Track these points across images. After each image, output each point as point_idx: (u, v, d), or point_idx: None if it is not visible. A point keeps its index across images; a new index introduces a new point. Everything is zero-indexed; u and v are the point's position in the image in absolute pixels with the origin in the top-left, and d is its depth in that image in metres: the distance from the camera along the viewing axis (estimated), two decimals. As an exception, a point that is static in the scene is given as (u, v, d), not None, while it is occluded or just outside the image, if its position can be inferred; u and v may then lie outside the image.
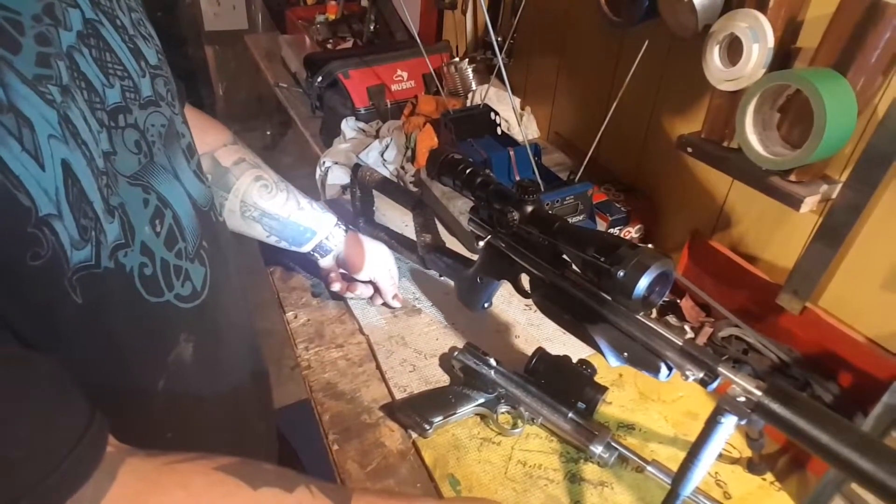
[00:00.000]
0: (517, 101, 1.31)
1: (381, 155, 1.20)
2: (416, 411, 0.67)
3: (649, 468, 0.60)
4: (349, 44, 1.85)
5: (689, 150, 0.79)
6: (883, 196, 0.65)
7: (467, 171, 0.66)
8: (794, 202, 0.67)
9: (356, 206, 0.93)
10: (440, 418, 0.66)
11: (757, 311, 0.77)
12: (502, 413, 0.69)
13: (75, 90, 0.36)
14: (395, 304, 0.85)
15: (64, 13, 0.36)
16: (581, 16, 1.10)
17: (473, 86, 1.33)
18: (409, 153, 1.17)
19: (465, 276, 0.75)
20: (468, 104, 1.30)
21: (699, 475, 0.49)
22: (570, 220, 0.90)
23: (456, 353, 0.73)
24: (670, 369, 0.50)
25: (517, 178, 0.95)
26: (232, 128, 0.74)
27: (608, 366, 0.55)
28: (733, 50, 0.69)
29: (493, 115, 1.12)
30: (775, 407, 0.43)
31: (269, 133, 3.07)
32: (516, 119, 1.08)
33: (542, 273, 0.61)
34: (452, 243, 0.93)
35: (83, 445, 0.33)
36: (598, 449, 0.63)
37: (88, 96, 0.38)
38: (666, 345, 0.50)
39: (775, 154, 0.66)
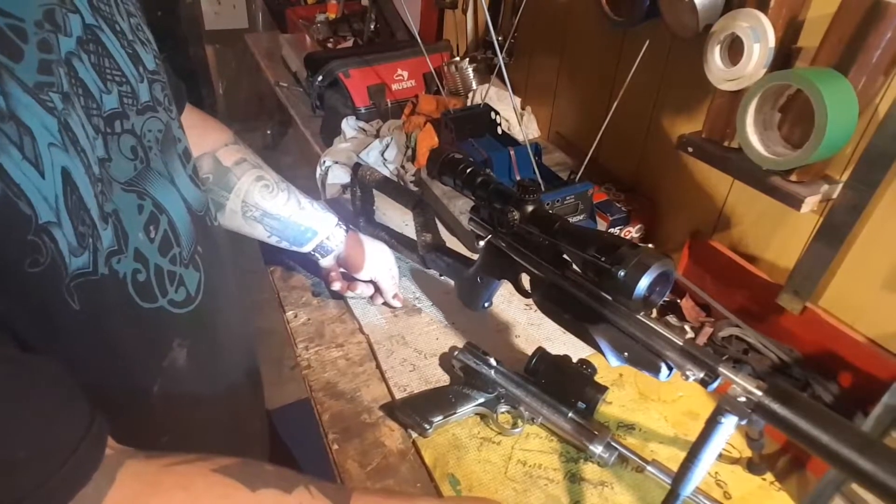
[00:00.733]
0: (518, 100, 1.31)
1: (382, 154, 1.20)
2: (416, 411, 0.67)
3: (649, 468, 0.60)
4: (350, 43, 1.85)
5: (690, 149, 0.79)
6: (884, 196, 0.65)
7: (468, 170, 0.66)
8: (795, 202, 0.67)
9: (356, 206, 0.93)
10: (440, 418, 0.66)
11: (757, 311, 0.77)
12: (502, 413, 0.69)
13: (74, 97, 0.36)
14: (396, 303, 0.85)
15: (64, 18, 0.36)
16: (582, 15, 1.10)
17: (474, 85, 1.33)
18: (410, 152, 1.17)
19: (465, 276, 0.75)
20: (469, 104, 1.30)
21: (699, 475, 0.49)
22: (570, 219, 0.90)
23: (456, 352, 0.73)
24: (670, 369, 0.50)
25: (518, 178, 0.95)
26: (232, 127, 0.74)
27: (608, 365, 0.55)
28: (734, 50, 0.69)
29: (493, 114, 1.12)
30: (775, 407, 0.43)
31: (269, 132, 3.07)
32: (517, 118, 1.09)
33: (542, 273, 0.61)
34: (453, 243, 0.93)
35: (84, 447, 0.33)
36: (598, 449, 0.63)
37: (85, 102, 0.38)
38: (666, 345, 0.50)
39: (776, 154, 0.66)
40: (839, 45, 0.61)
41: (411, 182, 1.11)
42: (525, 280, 0.65)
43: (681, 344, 0.49)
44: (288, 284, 0.90)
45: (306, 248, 0.80)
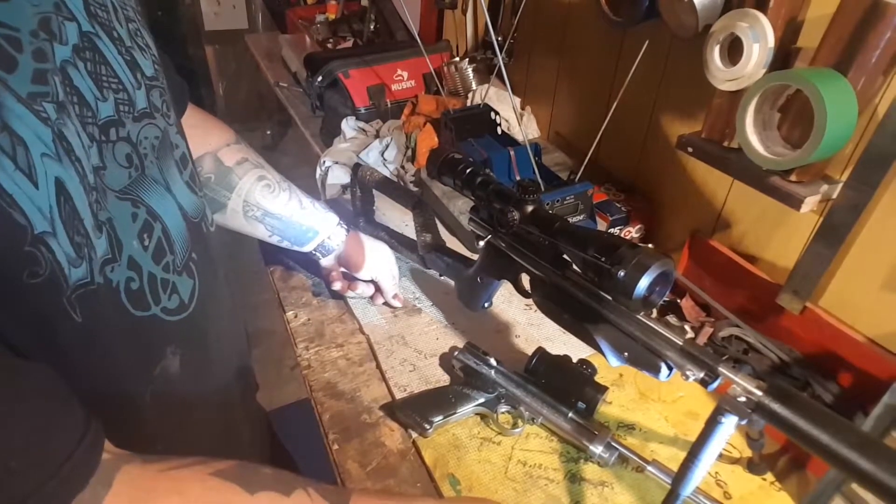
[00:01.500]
0: (517, 100, 1.31)
1: (382, 154, 1.20)
2: (416, 411, 0.67)
3: (649, 468, 0.60)
4: (349, 43, 1.85)
5: (690, 150, 0.79)
6: (883, 196, 0.65)
7: (467, 170, 0.66)
8: (795, 202, 0.67)
9: (356, 206, 0.93)
10: (440, 418, 0.66)
11: (757, 310, 0.77)
12: (502, 413, 0.69)
13: (69, 105, 0.36)
14: (396, 303, 0.85)
15: (60, 27, 0.36)
16: (581, 16, 1.10)
17: (474, 85, 1.33)
18: (410, 153, 1.17)
19: (465, 276, 0.75)
20: (468, 104, 1.30)
21: (699, 475, 0.49)
22: (570, 219, 0.90)
23: (456, 352, 0.73)
24: (670, 369, 0.50)
25: (517, 178, 0.95)
26: (232, 127, 0.74)
27: (608, 365, 0.55)
28: (734, 50, 0.69)
29: (493, 114, 1.12)
30: (775, 407, 0.43)
31: (269, 133, 3.07)
32: (516, 119, 1.09)
33: (542, 273, 0.61)
34: (453, 243, 0.93)
35: (80, 453, 0.33)
36: (598, 449, 0.63)
37: (80, 111, 0.37)
38: (666, 345, 0.50)
39: (776, 154, 0.66)
40: (838, 45, 0.61)
41: (411, 182, 1.11)
42: (525, 280, 0.65)
43: (681, 344, 0.49)
44: (288, 284, 0.90)
45: (307, 248, 0.80)
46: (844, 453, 0.38)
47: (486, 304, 0.76)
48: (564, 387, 0.68)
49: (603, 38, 1.05)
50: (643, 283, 0.46)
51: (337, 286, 0.83)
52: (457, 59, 1.37)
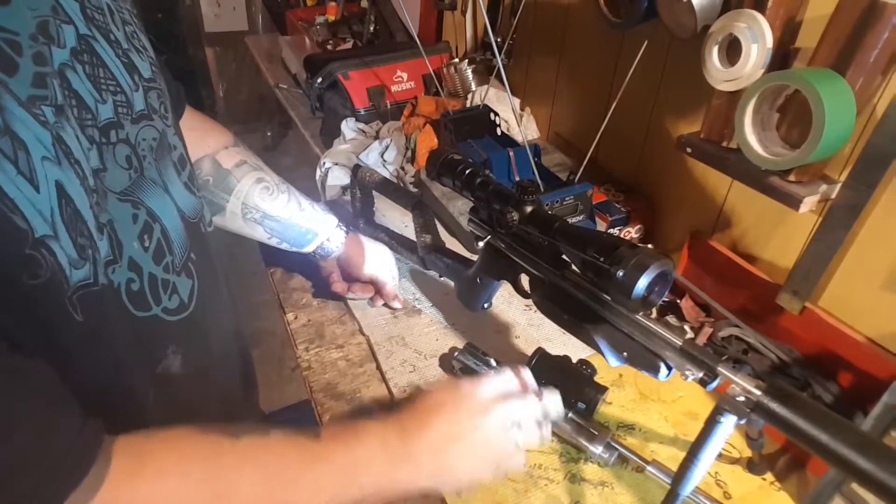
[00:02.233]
0: (517, 101, 1.31)
1: (381, 156, 1.20)
2: (416, 412, 0.67)
3: (649, 468, 0.60)
4: (349, 45, 1.85)
5: (689, 150, 0.79)
6: (882, 196, 0.65)
7: (467, 171, 0.66)
8: (794, 202, 0.67)
9: (356, 207, 0.93)
10: (440, 419, 0.66)
11: (757, 310, 0.77)
12: (502, 413, 0.69)
13: (68, 108, 0.36)
14: (396, 304, 0.85)
15: (58, 30, 0.36)
16: (580, 16, 1.10)
17: (473, 86, 1.34)
18: (409, 154, 1.17)
19: (464, 277, 0.76)
20: (468, 105, 1.30)
21: (699, 475, 0.49)
22: (569, 220, 0.90)
23: (456, 353, 0.73)
24: (670, 369, 0.50)
25: (517, 179, 0.95)
26: (232, 129, 0.74)
27: (608, 366, 0.55)
28: (732, 50, 0.69)
29: (492, 115, 1.12)
30: (775, 406, 0.43)
31: (269, 134, 3.07)
32: (516, 119, 1.09)
33: (541, 273, 0.61)
34: (452, 244, 0.93)
35: (78, 447, 0.34)
36: (598, 449, 0.63)
37: (79, 114, 0.38)
38: (665, 345, 0.50)
39: (774, 154, 0.66)
40: (836, 45, 0.61)
41: (411, 183, 1.11)
42: (524, 281, 0.66)
43: (680, 344, 0.49)
44: (288, 286, 0.90)
45: (307, 250, 0.80)
46: (844, 453, 0.38)
47: (485, 305, 0.76)
48: (564, 387, 0.67)
49: (602, 39, 1.05)
50: (642, 283, 0.46)
51: (337, 287, 0.83)
52: (456, 60, 1.37)
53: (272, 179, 0.74)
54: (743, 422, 0.46)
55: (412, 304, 0.87)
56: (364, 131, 1.34)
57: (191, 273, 0.49)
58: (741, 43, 0.66)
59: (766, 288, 0.76)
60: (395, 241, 0.90)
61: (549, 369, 0.70)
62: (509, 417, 0.49)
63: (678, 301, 0.85)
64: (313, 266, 0.86)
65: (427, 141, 1.13)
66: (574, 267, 0.57)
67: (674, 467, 0.52)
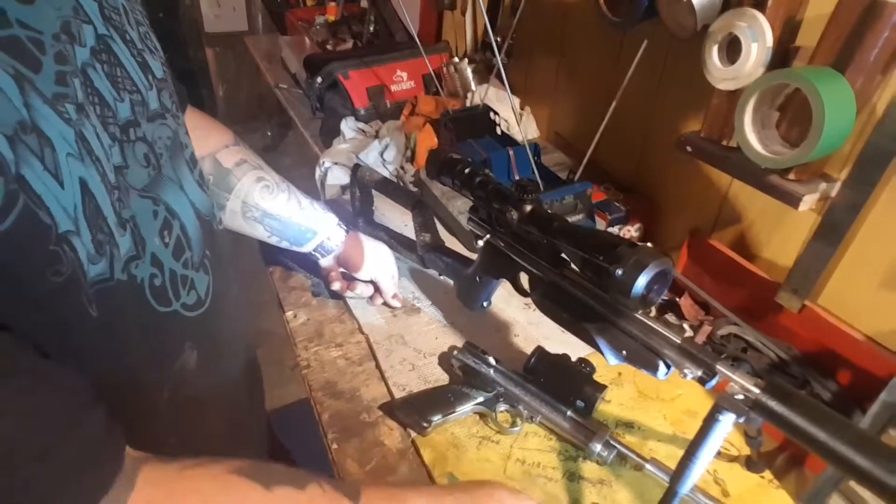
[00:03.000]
0: (516, 100, 1.31)
1: (381, 155, 1.20)
2: (415, 410, 0.67)
3: (648, 466, 0.60)
4: (349, 45, 1.85)
5: (689, 149, 0.79)
6: (882, 194, 0.65)
7: (466, 170, 0.66)
8: (794, 200, 0.67)
9: (356, 206, 0.93)
10: (439, 417, 0.66)
11: (756, 309, 0.77)
12: (501, 412, 0.69)
13: (88, 106, 0.37)
14: (395, 303, 0.85)
15: (79, 30, 0.37)
16: (580, 16, 1.10)
17: (473, 86, 1.34)
18: (409, 153, 1.17)
19: (464, 276, 0.76)
20: (468, 104, 1.30)
21: (697, 473, 0.49)
22: (569, 219, 0.90)
23: (455, 351, 0.73)
24: (669, 367, 0.50)
25: (516, 178, 0.95)
26: (232, 129, 0.74)
27: (607, 364, 0.55)
28: (732, 49, 0.69)
29: (492, 115, 1.13)
30: (773, 404, 0.43)
31: (269, 134, 3.08)
32: (516, 119, 1.08)
33: (541, 272, 0.61)
34: (452, 243, 0.93)
35: (103, 456, 0.34)
36: (597, 447, 0.63)
37: (101, 111, 0.38)
38: (665, 343, 0.50)
39: (774, 153, 0.66)
40: (836, 44, 0.61)
41: (410, 183, 1.11)
42: (524, 279, 0.66)
43: (679, 342, 0.49)
44: (287, 285, 0.90)
45: (306, 248, 0.80)
46: (842, 451, 0.39)
47: (484, 304, 0.76)
48: (563, 385, 0.68)
49: (602, 39, 1.05)
50: (641, 281, 0.47)
51: (336, 286, 0.84)
52: (456, 59, 1.37)
53: (272, 178, 0.74)
54: (742, 420, 0.46)
55: (411, 303, 0.87)
56: (364, 131, 1.34)
57: (207, 269, 0.50)
58: (741, 42, 0.66)
59: (766, 286, 0.76)
60: (394, 240, 0.90)
61: (548, 367, 0.70)
62: None
63: (677, 299, 0.85)
64: (313, 264, 0.86)
65: (427, 140, 1.13)
66: (573, 266, 0.57)
67: (672, 465, 0.52)
